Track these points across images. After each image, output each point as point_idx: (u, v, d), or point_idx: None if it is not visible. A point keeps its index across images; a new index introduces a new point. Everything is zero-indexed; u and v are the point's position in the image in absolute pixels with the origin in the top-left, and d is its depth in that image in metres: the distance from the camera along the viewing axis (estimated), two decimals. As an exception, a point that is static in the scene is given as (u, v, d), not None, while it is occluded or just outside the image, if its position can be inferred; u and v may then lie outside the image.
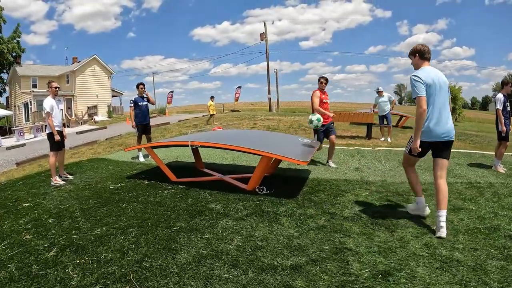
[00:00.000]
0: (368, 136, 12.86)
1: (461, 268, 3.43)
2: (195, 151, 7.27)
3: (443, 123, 4.25)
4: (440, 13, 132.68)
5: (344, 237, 4.14)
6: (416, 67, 4.39)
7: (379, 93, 13.11)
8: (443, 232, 4.12)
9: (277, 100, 37.12)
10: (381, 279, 3.24)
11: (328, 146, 8.10)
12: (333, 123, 8.08)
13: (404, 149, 4.88)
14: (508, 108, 8.12)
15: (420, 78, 4.15)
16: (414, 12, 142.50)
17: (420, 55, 4.35)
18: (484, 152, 10.58)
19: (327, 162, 8.19)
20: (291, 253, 3.69)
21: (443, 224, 4.16)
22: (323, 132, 7.89)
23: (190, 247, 3.87)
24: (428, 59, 4.37)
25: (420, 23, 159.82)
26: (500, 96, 8.02)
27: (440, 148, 4.34)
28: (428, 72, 4.23)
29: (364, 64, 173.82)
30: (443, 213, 4.20)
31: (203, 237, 4.10)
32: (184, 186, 6.10)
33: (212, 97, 20.73)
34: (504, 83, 8.09)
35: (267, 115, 22.56)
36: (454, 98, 25.35)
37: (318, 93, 7.97)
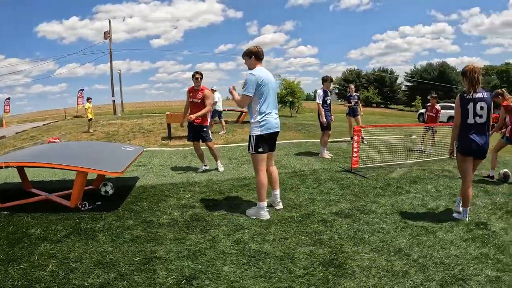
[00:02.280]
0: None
1: (269, 260, 3.47)
2: (20, 170, 6.29)
3: (275, 118, 4.75)
4: (288, 15, 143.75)
5: (157, 245, 3.87)
6: (252, 67, 4.73)
7: (212, 91, 13.35)
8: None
9: (121, 102, 35.51)
10: (185, 284, 3.10)
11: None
12: (205, 127, 7.35)
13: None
14: (328, 101, 8.92)
15: (257, 78, 4.53)
16: (264, 14, 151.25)
17: (256, 56, 4.71)
18: (315, 141, 11.34)
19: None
20: (102, 271, 3.36)
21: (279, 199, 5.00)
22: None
23: (6, 280, 3.24)
24: (262, 60, 4.78)
25: (269, 24, 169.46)
26: (319, 91, 8.84)
27: (274, 140, 4.88)
28: (264, 72, 4.67)
29: (213, 62, 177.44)
30: (278, 192, 4.99)
31: (19, 267, 3.48)
32: (7, 212, 5.18)
33: (89, 99, 18.14)
34: (324, 80, 8.90)
35: (110, 120, 21.29)
36: (293, 92, 26.93)
37: None
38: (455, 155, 4.88)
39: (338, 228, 4.29)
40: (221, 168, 7.47)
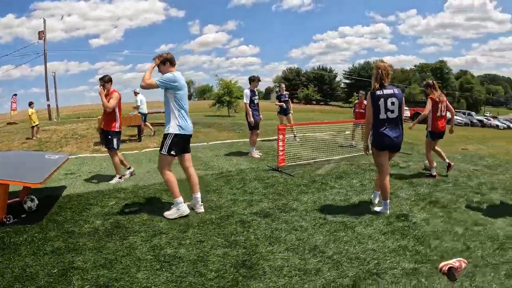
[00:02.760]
0: (139, 138, 12.64)
1: (182, 265, 3.53)
2: None
3: (190, 119, 4.99)
4: (231, 15, 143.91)
5: (76, 255, 3.83)
6: (165, 72, 4.88)
7: (135, 94, 14.24)
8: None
9: (56, 106, 33.92)
10: None
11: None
12: (109, 133, 6.89)
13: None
14: (256, 101, 9.07)
15: (176, 79, 4.78)
16: (206, 13, 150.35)
17: (170, 62, 4.93)
18: (246, 140, 11.45)
19: None
20: (21, 284, 3.27)
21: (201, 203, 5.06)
22: None
23: None
24: (175, 65, 5.00)
25: (211, 24, 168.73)
26: (247, 91, 8.95)
27: (188, 142, 5.08)
28: (180, 76, 4.89)
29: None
30: (199, 195, 5.05)
31: None
32: None
33: (31, 103, 16.59)
34: (251, 80, 9.01)
35: (44, 126, 20.35)
36: (230, 92, 27.05)
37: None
38: (369, 151, 5.18)
39: (255, 229, 4.40)
40: (114, 180, 6.89)
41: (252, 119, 8.80)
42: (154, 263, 3.56)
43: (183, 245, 3.93)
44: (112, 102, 6.57)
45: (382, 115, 4.78)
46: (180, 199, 4.84)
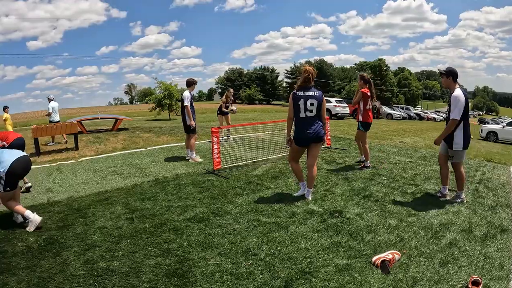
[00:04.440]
0: (76, 146, 12.31)
1: (115, 278, 3.56)
2: None
3: None
4: (173, 16, 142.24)
5: (9, 276, 3.73)
6: None
7: (49, 101, 14.03)
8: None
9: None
10: None
11: None
12: None
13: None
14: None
15: None
16: (148, 14, 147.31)
17: None
18: (183, 144, 11.46)
19: None
20: None
21: None
22: None
23: None
24: None
25: (153, 25, 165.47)
26: (187, 94, 8.92)
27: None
28: None
29: (95, 65, 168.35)
30: None
31: None
32: None
33: (6, 108, 14.89)
34: (190, 83, 9.05)
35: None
36: (170, 95, 26.75)
37: None
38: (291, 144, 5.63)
39: (189, 235, 4.47)
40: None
41: (193, 122, 8.87)
42: (87, 278, 3.57)
43: (116, 257, 3.96)
44: None
45: (302, 114, 5.26)
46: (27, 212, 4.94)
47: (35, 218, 4.89)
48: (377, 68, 79.22)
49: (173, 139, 13.51)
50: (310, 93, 5.25)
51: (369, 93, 7.55)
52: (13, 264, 4.02)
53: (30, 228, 4.85)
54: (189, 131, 9.04)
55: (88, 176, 7.91)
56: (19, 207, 4.99)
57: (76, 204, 5.95)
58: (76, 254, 4.13)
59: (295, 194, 5.76)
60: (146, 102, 36.50)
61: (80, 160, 10.14)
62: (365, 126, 7.74)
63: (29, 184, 7.07)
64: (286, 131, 5.66)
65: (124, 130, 17.10)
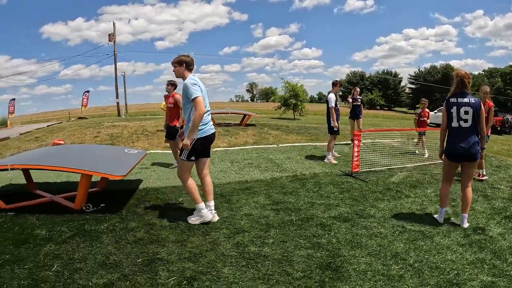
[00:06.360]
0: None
1: (267, 263, 3.58)
2: (25, 172, 6.39)
3: (211, 123, 4.79)
4: (293, 18, 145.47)
5: (159, 247, 3.98)
6: (181, 75, 4.74)
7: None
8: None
9: (125, 104, 35.57)
10: (186, 285, 3.22)
11: None
12: None
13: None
14: (338, 106, 8.98)
15: (197, 82, 4.55)
16: (269, 16, 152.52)
17: (186, 65, 4.70)
18: (317, 144, 11.40)
19: None
20: (105, 271, 3.45)
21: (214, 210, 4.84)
22: None
23: (12, 280, 3.34)
24: (192, 70, 4.79)
25: (273, 27, 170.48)
26: (332, 95, 8.77)
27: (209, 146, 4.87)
28: (198, 79, 4.66)
29: (218, 64, 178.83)
30: (212, 203, 4.81)
31: (25, 266, 3.59)
32: (13, 213, 5.29)
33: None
34: (334, 84, 8.85)
35: (114, 121, 21.30)
36: (296, 95, 27.04)
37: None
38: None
39: (336, 232, 4.39)
40: None
41: (336, 124, 8.73)
42: (239, 260, 3.63)
43: (267, 244, 3.98)
44: None
45: (454, 124, 4.65)
46: (202, 204, 4.72)
47: (207, 214, 4.69)
48: (508, 76, 70.19)
49: (302, 138, 13.48)
50: (465, 100, 4.67)
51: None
52: (162, 237, 4.24)
53: (195, 220, 4.70)
54: (333, 131, 8.87)
55: (225, 165, 8.17)
56: (196, 195, 4.77)
57: (219, 190, 6.13)
58: (225, 236, 4.23)
59: (435, 216, 5.05)
60: (273, 101, 37.04)
61: (214, 150, 10.54)
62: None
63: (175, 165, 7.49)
64: (439, 143, 5.14)
65: (252, 126, 17.52)
